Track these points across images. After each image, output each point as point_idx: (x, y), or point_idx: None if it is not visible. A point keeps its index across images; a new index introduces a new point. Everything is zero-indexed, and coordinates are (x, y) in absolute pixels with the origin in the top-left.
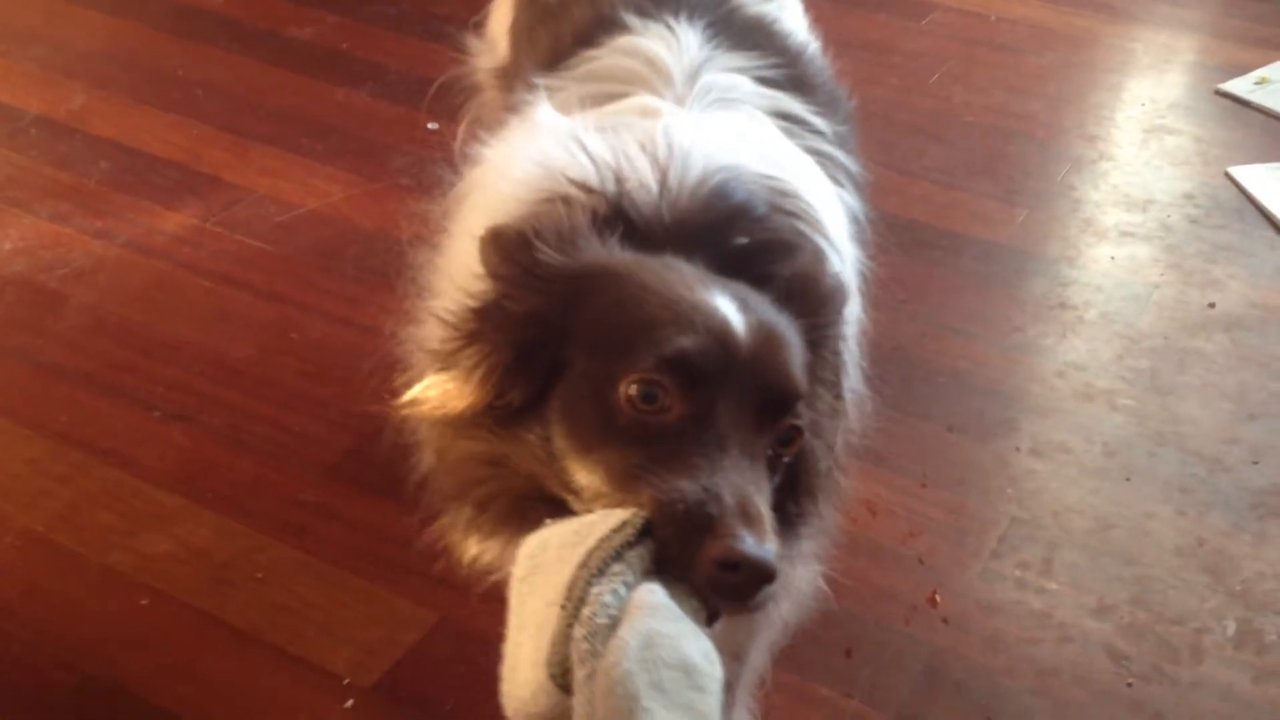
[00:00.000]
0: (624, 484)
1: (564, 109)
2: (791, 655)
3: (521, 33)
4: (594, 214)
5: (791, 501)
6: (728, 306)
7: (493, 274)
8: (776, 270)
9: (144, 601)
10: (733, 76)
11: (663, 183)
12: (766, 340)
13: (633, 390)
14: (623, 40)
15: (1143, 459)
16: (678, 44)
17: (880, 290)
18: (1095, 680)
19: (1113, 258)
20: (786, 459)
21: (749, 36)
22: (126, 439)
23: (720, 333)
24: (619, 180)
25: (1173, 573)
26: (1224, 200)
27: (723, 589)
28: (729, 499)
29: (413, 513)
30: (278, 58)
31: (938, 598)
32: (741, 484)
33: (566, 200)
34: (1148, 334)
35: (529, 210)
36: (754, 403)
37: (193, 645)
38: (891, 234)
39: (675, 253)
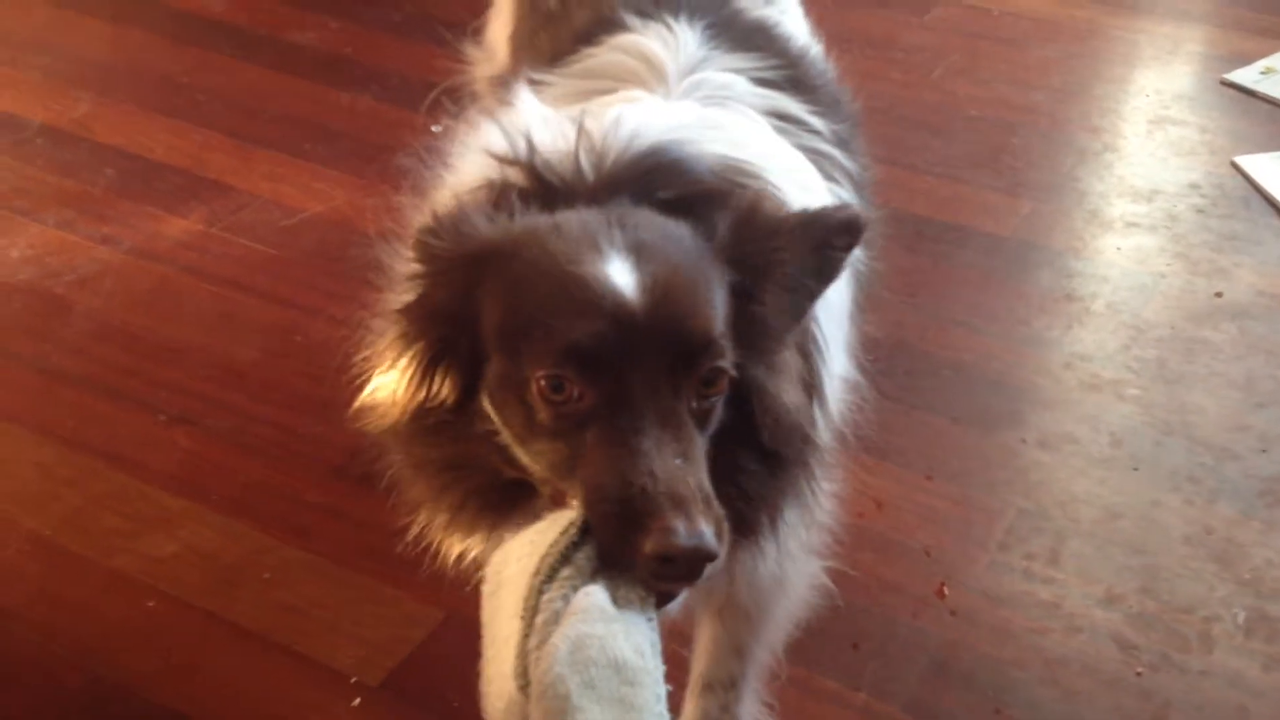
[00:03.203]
0: (562, 474)
1: (553, 104)
2: (799, 648)
3: (523, 40)
4: (511, 189)
5: (752, 450)
6: (618, 269)
7: (411, 270)
8: (713, 219)
9: (151, 603)
10: (728, 75)
11: (587, 147)
12: (665, 293)
13: (541, 385)
14: (621, 38)
15: (1150, 448)
16: (676, 43)
17: (885, 285)
18: (1104, 669)
19: (1119, 248)
20: (713, 399)
21: (749, 39)
22: (132, 443)
23: (612, 308)
24: (533, 147)
25: (1181, 561)
26: (1230, 190)
27: (665, 577)
28: (655, 486)
29: (408, 512)
30: (280, 63)
31: (945, 590)
32: (667, 463)
33: (491, 184)
34: (1154, 324)
35: (462, 199)
36: (665, 363)
37: (200, 646)
38: (896, 229)
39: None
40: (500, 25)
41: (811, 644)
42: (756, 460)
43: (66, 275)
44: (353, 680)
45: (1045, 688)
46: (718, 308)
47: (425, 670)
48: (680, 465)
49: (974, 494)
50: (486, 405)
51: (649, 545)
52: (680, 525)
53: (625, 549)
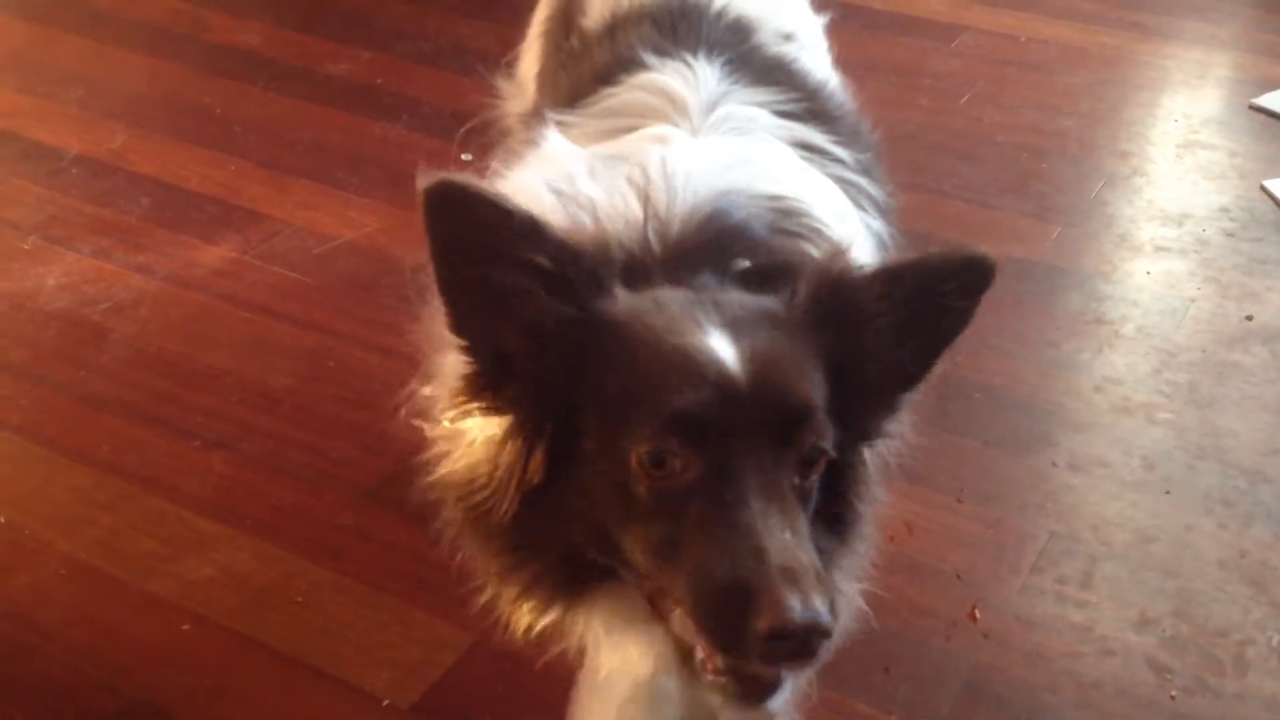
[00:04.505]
0: (661, 560)
1: (578, 144)
2: (831, 672)
3: (547, 78)
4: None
5: (838, 511)
6: (719, 342)
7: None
8: (790, 285)
9: (185, 626)
10: (751, 109)
11: (653, 214)
12: (766, 364)
13: (643, 458)
14: (641, 77)
15: (1182, 472)
16: (695, 79)
17: None
18: (1138, 693)
19: (1148, 272)
20: (813, 478)
21: (768, 74)
22: (167, 467)
23: (715, 377)
24: (599, 218)
25: (1215, 585)
26: (1260, 214)
27: (778, 656)
28: (767, 561)
29: (446, 543)
30: (314, 94)
31: (977, 613)
32: (775, 537)
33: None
34: (1185, 347)
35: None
36: (768, 435)
37: (233, 668)
38: None
39: (672, 283)
40: (530, 62)
41: (844, 667)
42: (828, 531)
43: (102, 303)
44: (385, 703)
45: (1079, 711)
46: (816, 383)
47: (456, 693)
48: (790, 539)
49: (1006, 517)
50: (580, 483)
51: (763, 622)
52: (795, 601)
53: (737, 630)
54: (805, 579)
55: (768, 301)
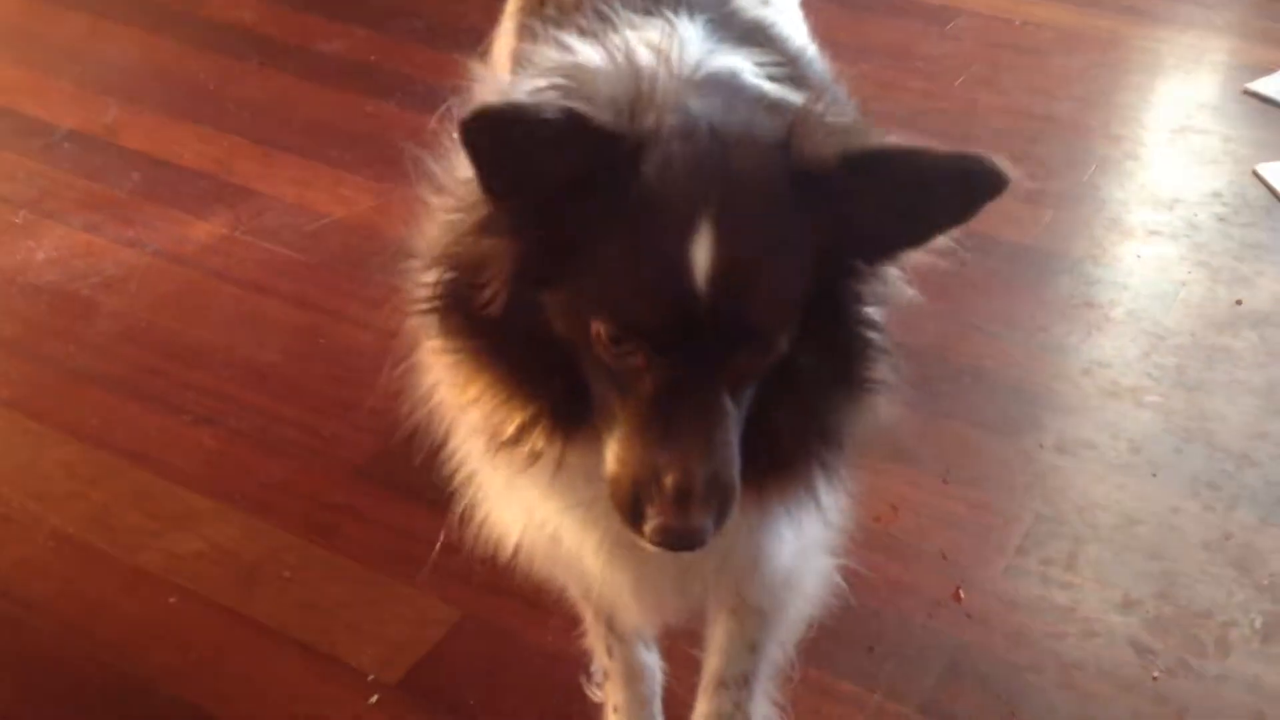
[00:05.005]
0: (604, 412)
1: None
2: (814, 650)
3: (523, 55)
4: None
5: (829, 369)
6: (699, 249)
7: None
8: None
9: (173, 600)
10: (734, 62)
11: (664, 59)
12: (736, 277)
13: (600, 333)
14: (620, 36)
15: (1169, 455)
16: (676, 36)
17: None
18: (1120, 674)
19: (1139, 256)
20: (754, 382)
21: (749, 36)
22: (157, 442)
23: (685, 293)
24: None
25: (1199, 567)
26: (1252, 199)
27: (666, 548)
28: (665, 478)
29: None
30: (307, 71)
31: (961, 593)
32: (687, 453)
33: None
34: (1175, 331)
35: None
36: (721, 347)
37: (221, 643)
38: None
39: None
40: (504, 42)
41: (827, 646)
42: (830, 379)
43: (92, 277)
44: (371, 678)
45: (1061, 692)
46: (788, 286)
47: (442, 669)
48: (700, 455)
49: (991, 498)
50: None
51: (647, 526)
52: (676, 523)
53: (632, 518)
54: (693, 500)
55: (772, 143)
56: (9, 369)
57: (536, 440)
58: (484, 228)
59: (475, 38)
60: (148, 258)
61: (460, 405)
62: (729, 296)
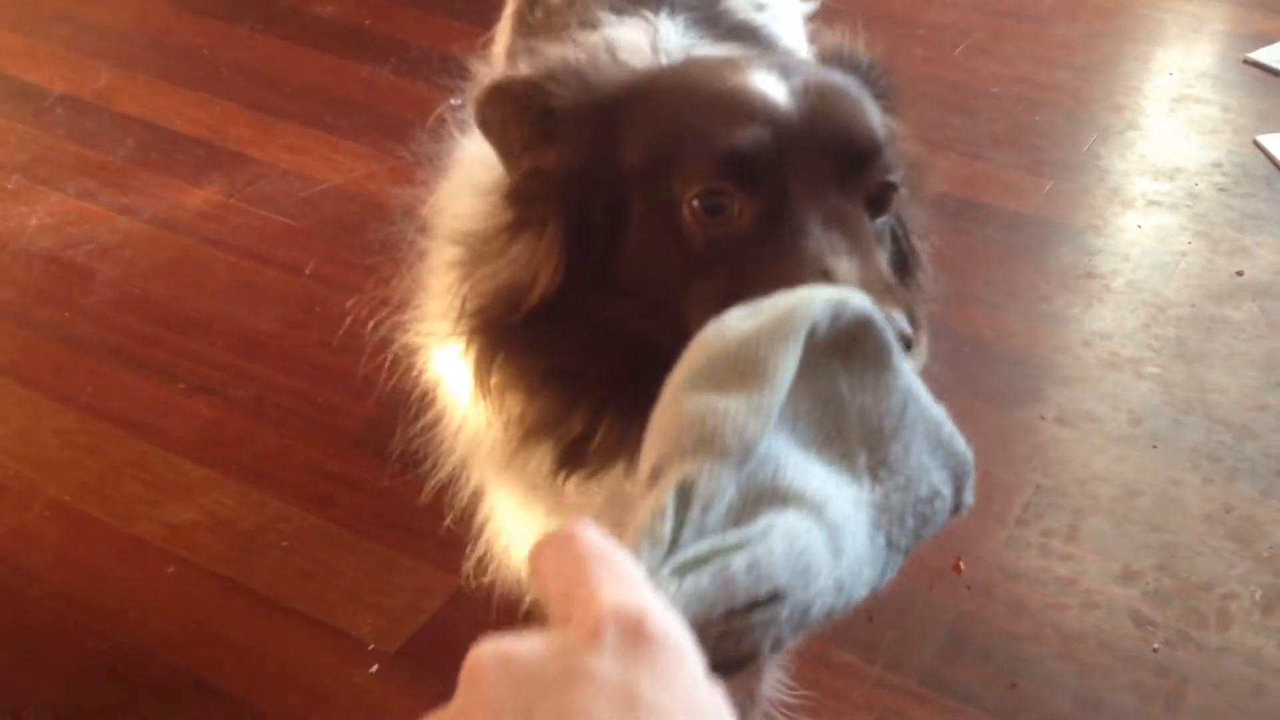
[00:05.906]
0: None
1: None
2: None
3: (515, 54)
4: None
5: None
6: (765, 80)
7: (517, 138)
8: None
9: (170, 569)
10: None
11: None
12: (821, 100)
13: (695, 208)
14: (596, 34)
15: (1169, 427)
16: (655, 32)
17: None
18: (1121, 645)
19: (1140, 226)
20: (885, 222)
21: (734, 33)
22: (153, 411)
23: (767, 113)
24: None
25: (1200, 539)
26: (1252, 169)
27: None
28: (836, 280)
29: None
30: (301, 35)
31: (962, 565)
32: (843, 260)
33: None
34: (1175, 302)
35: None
36: (831, 172)
37: (219, 612)
38: (916, 205)
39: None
40: (501, 42)
41: None
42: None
43: (86, 244)
44: (370, 647)
45: (1061, 662)
46: (877, 117)
47: (441, 638)
48: (857, 261)
49: (992, 469)
50: (631, 267)
51: None
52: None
53: None
54: (877, 292)
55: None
56: (2, 336)
57: (600, 450)
58: (513, 230)
59: (471, 2)
60: (142, 225)
61: (499, 427)
62: (820, 108)
